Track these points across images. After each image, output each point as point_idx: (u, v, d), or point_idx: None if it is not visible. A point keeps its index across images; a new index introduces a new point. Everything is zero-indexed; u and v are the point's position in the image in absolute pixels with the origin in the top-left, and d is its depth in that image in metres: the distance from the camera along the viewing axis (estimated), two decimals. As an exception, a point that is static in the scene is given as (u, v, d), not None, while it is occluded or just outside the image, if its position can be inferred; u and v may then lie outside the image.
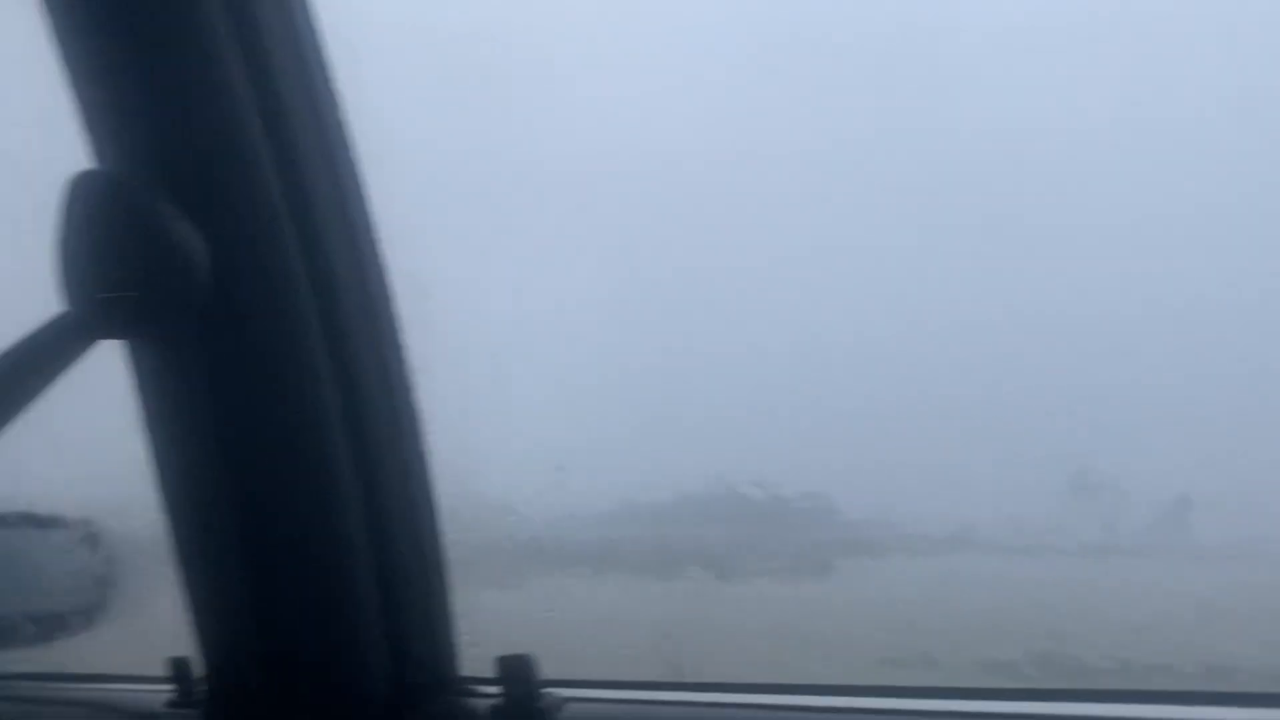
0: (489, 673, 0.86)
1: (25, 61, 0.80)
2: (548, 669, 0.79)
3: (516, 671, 0.78)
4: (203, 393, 0.79)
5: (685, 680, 0.80)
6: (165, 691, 1.02)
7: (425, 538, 0.86)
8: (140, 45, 0.76)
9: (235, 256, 0.76)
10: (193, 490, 0.82)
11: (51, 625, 1.28)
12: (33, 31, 0.77)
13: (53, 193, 0.78)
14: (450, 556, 0.87)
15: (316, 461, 0.80)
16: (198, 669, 1.01)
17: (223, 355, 0.78)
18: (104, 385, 0.84)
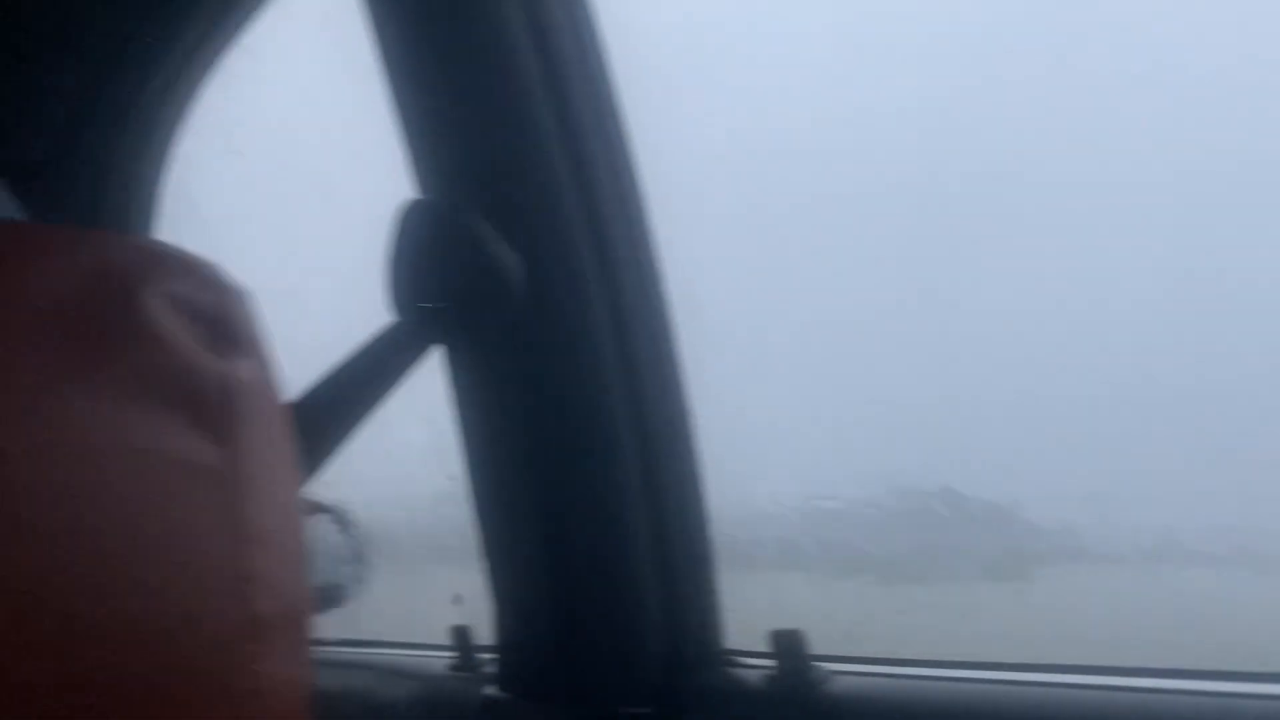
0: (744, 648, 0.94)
1: (368, 109, 0.92)
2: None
3: (787, 645, 0.85)
4: (510, 393, 0.90)
5: (950, 659, 0.85)
6: (448, 657, 1.15)
7: (695, 526, 0.94)
8: (460, 90, 0.88)
9: (540, 273, 0.87)
10: (496, 478, 0.93)
11: (323, 598, 1.43)
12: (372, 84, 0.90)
13: (385, 219, 0.90)
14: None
15: (604, 456, 0.90)
16: (481, 638, 1.13)
17: (529, 361, 0.89)
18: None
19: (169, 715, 0.42)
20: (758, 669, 0.89)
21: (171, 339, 0.44)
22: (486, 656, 1.09)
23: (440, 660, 1.16)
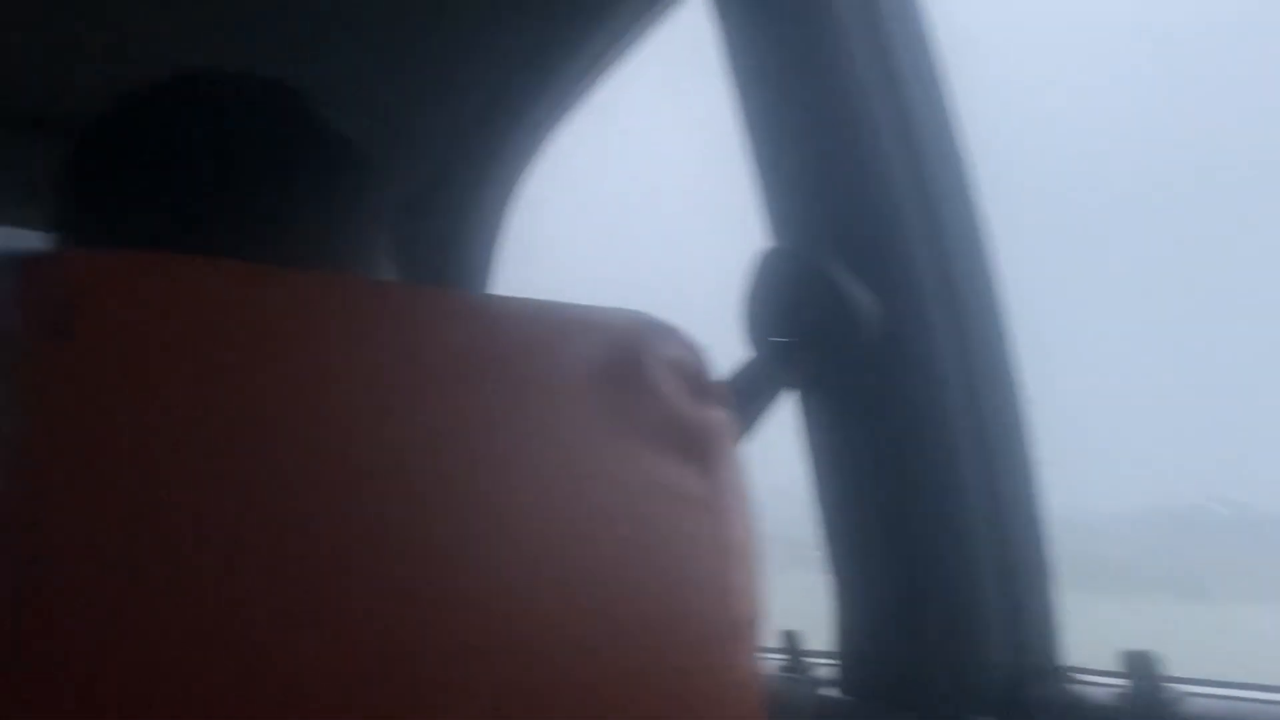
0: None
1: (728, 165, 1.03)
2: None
3: (1140, 665, 0.88)
4: (858, 416, 0.98)
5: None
6: (778, 659, 1.24)
7: (1035, 538, 0.99)
8: (814, 137, 0.97)
9: (889, 307, 0.94)
10: (843, 491, 1.01)
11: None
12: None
13: (733, 262, 1.00)
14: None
15: (947, 470, 0.97)
16: (810, 643, 1.22)
17: (876, 387, 0.96)
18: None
19: (671, 702, 0.52)
20: (1103, 686, 0.92)
21: (668, 394, 0.54)
22: (817, 660, 1.17)
23: (771, 661, 1.25)
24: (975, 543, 0.97)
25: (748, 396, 0.94)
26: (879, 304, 0.93)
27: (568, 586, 0.49)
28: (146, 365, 0.40)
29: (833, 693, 1.10)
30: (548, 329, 0.53)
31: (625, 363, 0.53)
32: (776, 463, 1.10)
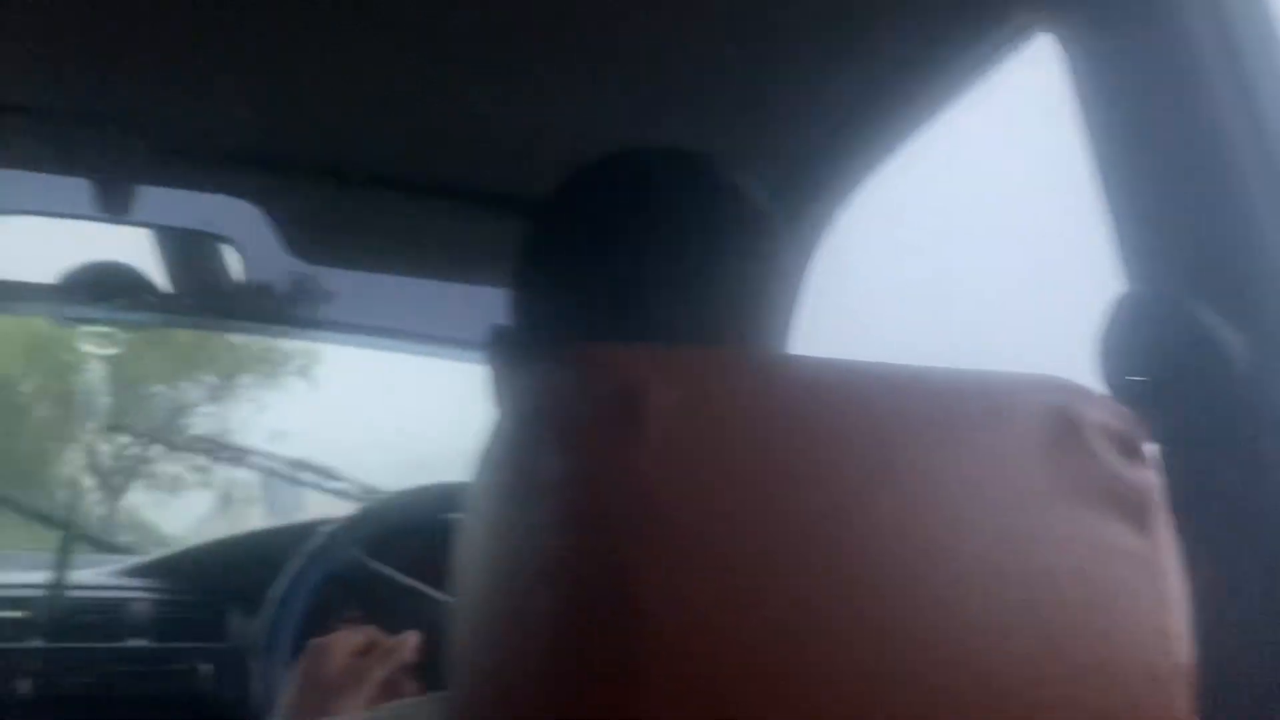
0: None
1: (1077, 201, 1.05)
2: None
3: None
4: (1225, 461, 0.98)
5: None
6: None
7: None
8: (1174, 176, 0.98)
9: (1256, 353, 0.94)
10: (1200, 529, 1.02)
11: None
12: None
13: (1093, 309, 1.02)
14: None
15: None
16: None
17: (1243, 432, 0.96)
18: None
19: None
20: None
21: (1104, 457, 0.59)
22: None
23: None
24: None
25: None
26: (1246, 345, 0.93)
27: (1028, 636, 0.55)
28: (717, 452, 0.49)
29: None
30: (992, 399, 0.59)
31: (1065, 428, 0.59)
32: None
